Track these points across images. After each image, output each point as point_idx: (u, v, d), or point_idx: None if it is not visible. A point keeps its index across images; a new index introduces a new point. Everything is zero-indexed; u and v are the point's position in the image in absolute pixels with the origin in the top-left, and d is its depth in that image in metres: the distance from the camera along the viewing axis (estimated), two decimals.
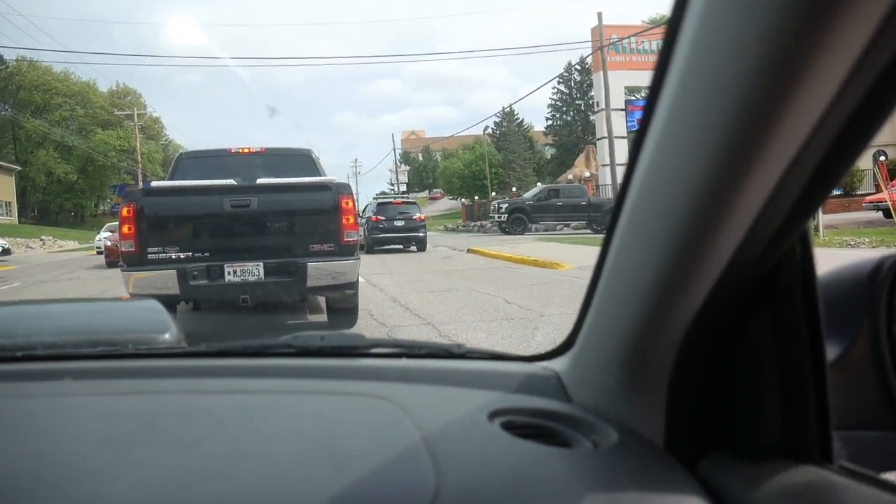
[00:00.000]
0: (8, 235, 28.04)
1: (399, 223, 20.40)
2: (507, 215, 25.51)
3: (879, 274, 0.81)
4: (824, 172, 0.61)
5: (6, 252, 26.64)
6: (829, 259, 0.90)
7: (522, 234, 24.13)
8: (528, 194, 28.70)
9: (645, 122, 0.70)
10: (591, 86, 43.70)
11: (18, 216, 48.03)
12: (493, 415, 0.87)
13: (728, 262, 0.68)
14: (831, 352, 0.81)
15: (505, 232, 24.90)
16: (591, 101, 45.83)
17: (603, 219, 22.51)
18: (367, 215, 21.25)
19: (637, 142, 0.73)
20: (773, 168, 0.60)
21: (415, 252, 19.41)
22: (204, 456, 0.74)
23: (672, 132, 0.66)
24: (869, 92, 0.54)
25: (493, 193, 41.98)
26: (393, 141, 58.44)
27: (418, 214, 21.18)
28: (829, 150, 0.59)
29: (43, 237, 37.36)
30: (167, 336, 1.47)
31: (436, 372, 1.04)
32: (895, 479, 0.72)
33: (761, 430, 0.76)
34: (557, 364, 1.05)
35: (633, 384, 0.86)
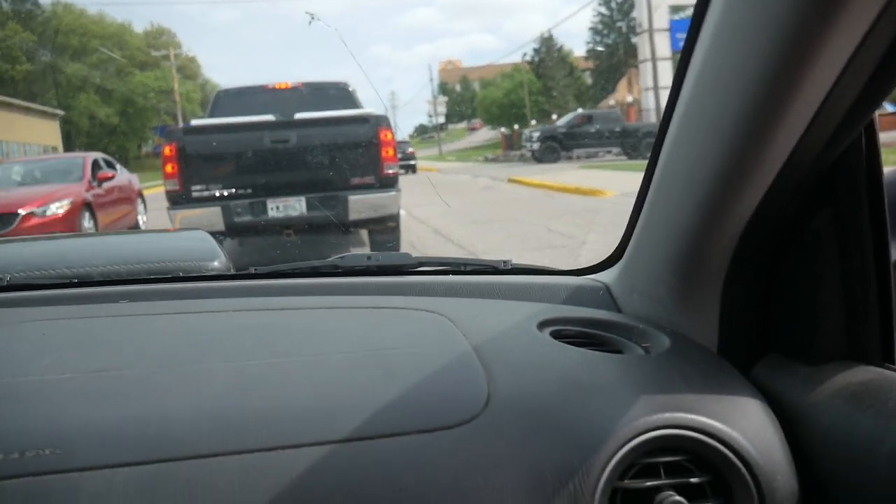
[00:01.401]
0: None
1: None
2: (539, 143, 25.16)
3: None
4: (888, 64, 0.57)
5: None
6: None
7: (555, 162, 23.86)
8: (560, 121, 28.24)
9: (697, 22, 0.67)
10: (632, 6, 42.17)
11: None
12: (543, 324, 0.86)
13: (788, 157, 0.66)
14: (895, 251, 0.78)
15: (538, 161, 24.62)
16: (632, 23, 44.28)
17: (637, 144, 22.11)
18: None
19: (688, 44, 0.70)
20: (836, 56, 0.56)
21: (452, 183, 19.60)
22: (258, 367, 0.75)
23: (726, 29, 0.62)
24: None
25: (534, 122, 41.33)
26: (430, 71, 57.56)
27: (410, 149, 22.62)
28: (892, 43, 0.55)
29: None
30: (216, 263, 1.49)
31: (483, 286, 1.04)
32: None
33: (820, 332, 0.75)
34: (606, 276, 1.04)
35: (685, 291, 0.84)
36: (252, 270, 1.16)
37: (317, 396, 0.70)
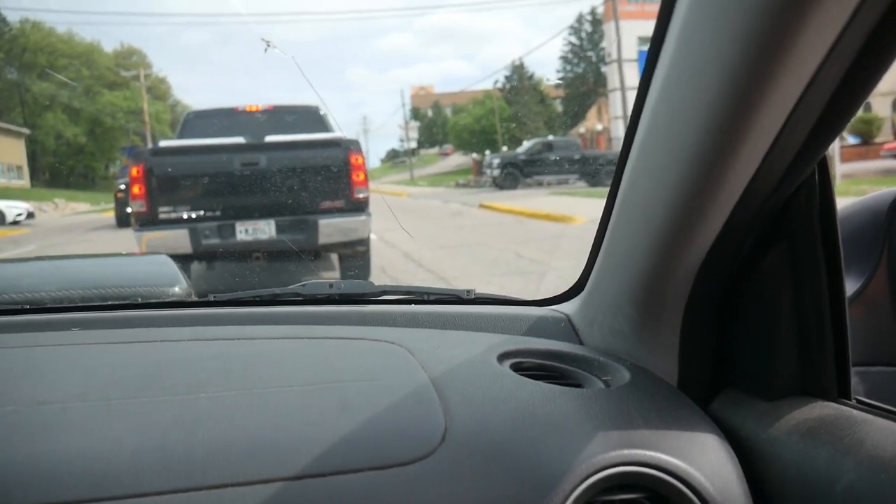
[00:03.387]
0: (20, 198, 28.10)
1: None
2: (499, 170, 25.47)
3: None
4: (842, 97, 0.58)
5: (31, 216, 26.62)
6: None
7: (515, 188, 24.12)
8: (520, 149, 28.60)
9: (653, 57, 0.68)
10: (602, 36, 42.97)
11: (31, 180, 48.15)
12: (503, 356, 0.86)
13: (743, 193, 0.66)
14: (850, 286, 0.79)
15: (499, 187, 24.86)
16: (602, 53, 45.12)
17: (597, 172, 22.48)
18: None
19: (645, 78, 0.70)
20: (787, 95, 0.57)
21: (422, 208, 19.46)
22: (210, 400, 0.73)
23: (681, 66, 0.63)
24: (881, 19, 0.51)
25: (504, 148, 41.62)
26: (402, 97, 57.86)
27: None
28: (847, 74, 0.56)
29: (55, 200, 37.46)
30: (176, 289, 1.47)
31: (445, 316, 1.03)
32: None
33: (777, 367, 0.75)
34: (567, 307, 1.03)
35: (645, 324, 0.84)
36: (211, 298, 1.14)
37: (269, 431, 0.69)
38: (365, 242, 6.48)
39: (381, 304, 1.10)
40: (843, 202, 0.78)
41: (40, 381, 0.78)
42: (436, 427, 0.69)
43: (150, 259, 1.86)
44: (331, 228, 6.19)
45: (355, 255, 6.63)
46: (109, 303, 1.12)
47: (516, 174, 25.04)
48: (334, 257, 7.30)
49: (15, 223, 24.49)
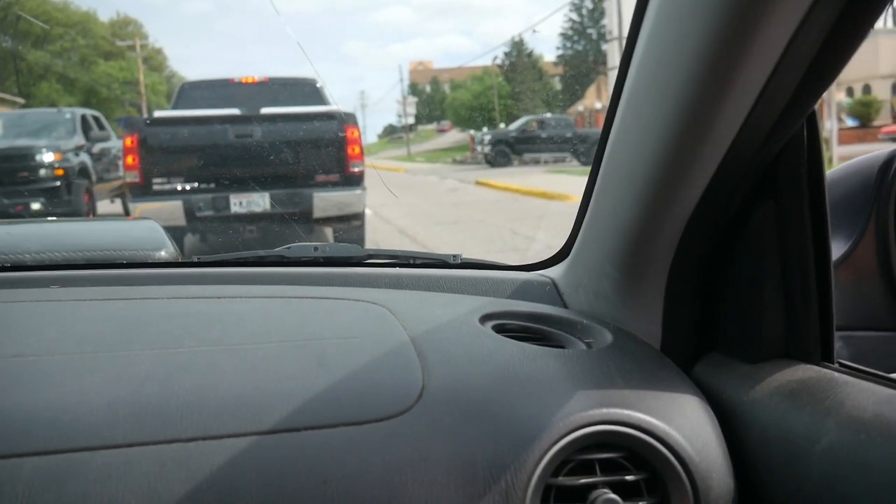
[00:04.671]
0: None
1: None
2: (490, 147, 25.16)
3: (891, 168, 0.77)
4: (832, 47, 0.56)
5: None
6: None
7: (506, 166, 23.79)
8: (512, 126, 28.18)
9: (640, 8, 0.66)
10: (603, 13, 42.60)
11: None
12: (486, 318, 0.85)
13: (728, 148, 0.65)
14: (836, 249, 0.78)
15: (490, 164, 24.58)
16: (603, 30, 44.75)
17: (589, 150, 22.23)
18: None
19: (633, 30, 0.69)
20: (774, 43, 0.55)
21: (419, 184, 19.26)
22: (186, 354, 0.72)
23: (666, 14, 0.62)
24: None
25: (502, 125, 41.44)
26: (400, 72, 57.47)
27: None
28: (837, 21, 0.54)
29: None
30: (163, 253, 1.45)
31: (430, 279, 1.02)
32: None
33: (760, 330, 0.74)
34: (553, 271, 1.02)
35: (629, 287, 0.83)
36: (195, 259, 1.13)
37: (243, 386, 0.68)
38: (360, 217, 6.46)
39: (367, 267, 1.09)
40: (830, 169, 0.77)
41: (14, 334, 0.77)
42: (413, 384, 0.69)
43: (137, 224, 1.84)
44: (325, 202, 6.17)
45: (350, 229, 6.61)
46: (91, 262, 1.11)
47: (507, 151, 24.77)
48: (329, 231, 7.29)
49: None
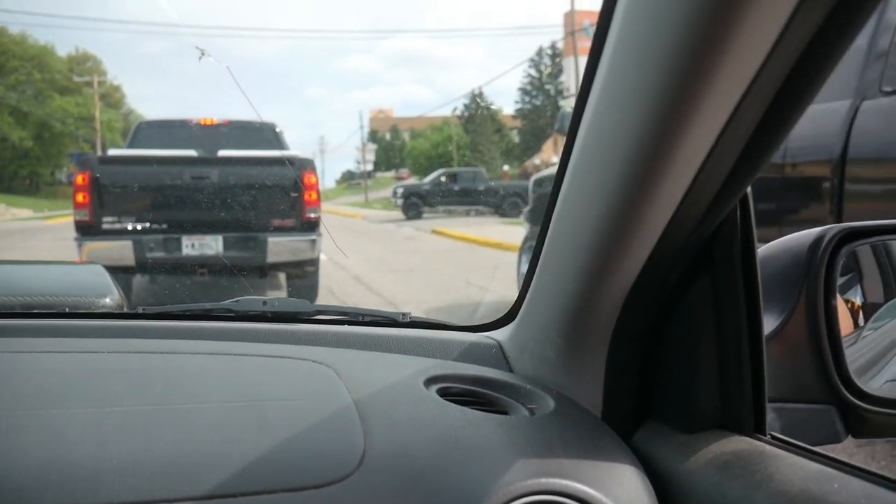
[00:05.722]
0: None
1: None
2: (402, 200, 25.05)
3: (820, 246, 0.81)
4: (763, 135, 0.60)
5: None
6: None
7: (418, 218, 23.59)
8: (426, 178, 28.19)
9: (586, 87, 0.69)
10: (561, 71, 43.82)
11: None
12: (430, 381, 0.85)
13: (665, 229, 0.68)
14: (769, 323, 0.81)
15: (405, 215, 24.41)
16: (560, 86, 45.93)
17: (500, 203, 21.93)
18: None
19: (578, 108, 0.72)
20: (707, 132, 0.59)
21: (376, 231, 19.03)
22: (123, 413, 0.71)
23: (609, 96, 0.65)
24: (799, 58, 0.53)
25: (416, 179, 41.80)
26: (360, 119, 57.91)
27: None
28: (764, 116, 0.58)
29: None
30: (107, 300, 1.43)
31: (377, 339, 1.02)
32: (826, 451, 0.72)
33: (696, 401, 0.76)
34: (500, 334, 1.04)
35: (572, 353, 0.85)
36: (140, 310, 1.11)
37: (182, 448, 0.67)
38: (314, 263, 6.42)
39: (315, 324, 1.09)
40: (762, 245, 0.81)
41: None
42: (354, 449, 0.68)
43: (82, 268, 1.81)
44: (280, 247, 6.12)
45: (304, 275, 6.55)
46: (33, 311, 1.09)
47: (419, 204, 24.50)
48: (282, 276, 7.22)
49: None
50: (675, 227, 0.68)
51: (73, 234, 6.14)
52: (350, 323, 1.09)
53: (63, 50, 57.78)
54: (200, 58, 1.09)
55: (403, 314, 1.13)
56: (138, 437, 0.67)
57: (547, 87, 53.66)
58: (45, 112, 50.51)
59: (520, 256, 6.44)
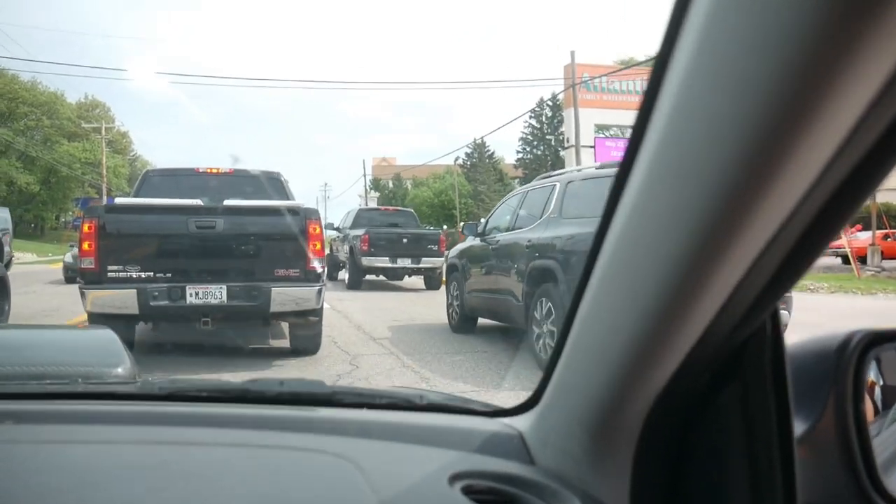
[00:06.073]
0: None
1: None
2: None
3: (847, 348, 0.80)
4: (799, 254, 0.60)
5: None
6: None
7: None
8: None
9: (622, 179, 0.66)
10: (561, 122, 44.34)
11: None
12: (454, 478, 0.84)
13: (701, 336, 0.67)
14: (798, 427, 0.80)
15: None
16: (561, 137, 46.38)
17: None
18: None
19: (612, 200, 0.69)
20: (750, 248, 0.59)
21: (381, 280, 16.93)
22: None
23: (650, 200, 0.63)
24: (852, 172, 0.53)
25: (461, 224, 41.95)
26: (364, 167, 58.43)
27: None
28: (804, 234, 0.58)
29: None
30: (120, 370, 1.42)
31: (396, 427, 1.01)
32: None
33: None
34: (521, 422, 1.02)
35: (597, 451, 0.84)
36: (156, 389, 1.10)
37: None
38: (317, 312, 6.42)
39: (332, 407, 1.08)
40: (792, 341, 0.81)
41: None
42: None
43: (94, 334, 1.80)
44: (283, 297, 6.12)
45: (307, 324, 6.55)
46: (49, 391, 1.08)
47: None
48: (284, 325, 7.19)
49: None
50: (710, 334, 0.67)
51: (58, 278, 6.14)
52: (368, 406, 1.08)
53: (73, 97, 58.61)
54: (234, 162, 1.10)
55: (420, 395, 1.12)
56: None
57: (548, 137, 54.17)
58: (53, 157, 51.14)
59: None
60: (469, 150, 55.36)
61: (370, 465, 0.84)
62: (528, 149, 55.16)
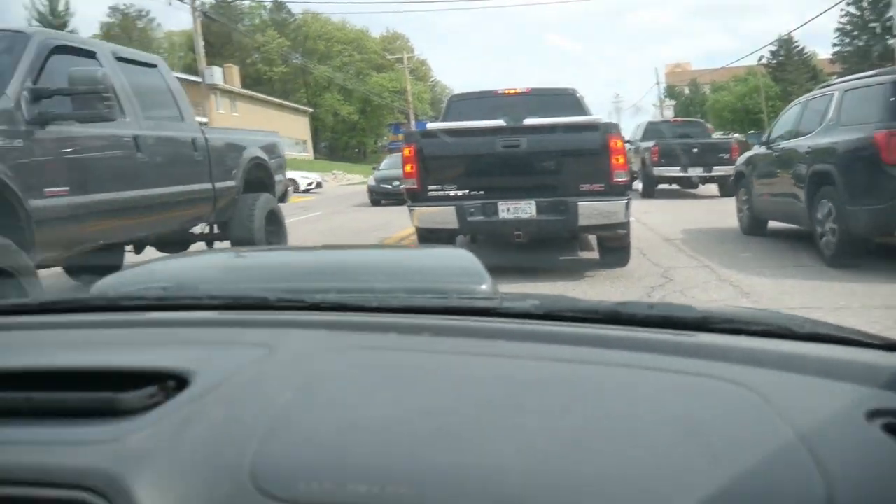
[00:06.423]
0: (306, 170, 31.45)
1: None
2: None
3: None
4: None
5: (319, 185, 29.62)
6: None
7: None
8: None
9: None
10: (889, 5, 37.57)
11: (313, 152, 53.89)
12: (871, 415, 0.76)
13: None
14: None
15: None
16: (890, 24, 39.35)
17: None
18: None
19: None
20: None
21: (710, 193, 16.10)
22: (573, 427, 0.72)
23: None
24: None
25: (750, 132, 38.29)
26: (657, 75, 55.63)
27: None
28: None
29: (334, 171, 41.26)
30: (484, 287, 1.50)
31: (787, 357, 0.93)
32: None
33: None
34: None
35: None
36: (530, 308, 1.13)
37: (639, 472, 0.66)
38: (625, 226, 6.34)
39: (704, 333, 1.03)
40: None
41: (420, 388, 0.81)
42: (816, 497, 0.63)
43: (453, 254, 1.94)
44: (590, 211, 6.13)
45: (614, 237, 6.53)
46: (448, 305, 1.14)
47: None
48: (593, 239, 7.24)
49: (306, 191, 27.28)
50: None
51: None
52: (743, 332, 1.02)
53: (376, 31, 63.68)
54: None
55: (801, 323, 1.03)
56: (595, 454, 0.68)
57: (871, 24, 46.47)
58: (366, 88, 56.39)
59: None
60: (774, 48, 49.80)
61: (772, 395, 0.79)
62: (846, 40, 48.01)
